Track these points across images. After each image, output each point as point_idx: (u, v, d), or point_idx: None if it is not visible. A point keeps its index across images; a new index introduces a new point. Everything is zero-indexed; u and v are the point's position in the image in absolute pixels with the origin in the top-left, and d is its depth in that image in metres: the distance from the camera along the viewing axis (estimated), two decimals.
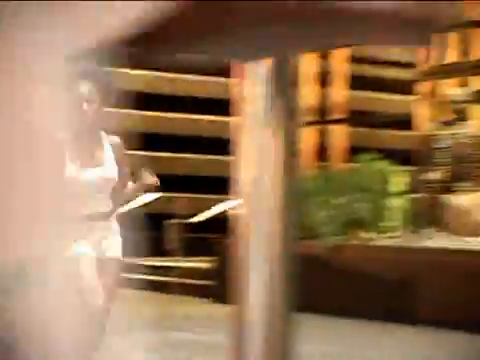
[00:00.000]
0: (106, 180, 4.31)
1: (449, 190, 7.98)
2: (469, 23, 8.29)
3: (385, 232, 7.97)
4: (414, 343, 6.45)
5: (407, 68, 8.98)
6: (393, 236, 7.94)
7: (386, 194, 8.14)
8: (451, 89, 8.52)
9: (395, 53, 8.74)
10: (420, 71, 8.77)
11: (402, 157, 8.48)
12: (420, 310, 7.04)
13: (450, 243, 7.43)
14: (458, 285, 6.80)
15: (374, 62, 8.87)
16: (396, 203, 8.24)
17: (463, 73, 8.75)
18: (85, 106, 4.08)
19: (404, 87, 8.99)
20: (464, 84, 8.61)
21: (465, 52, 8.71)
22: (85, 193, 4.22)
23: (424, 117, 8.78)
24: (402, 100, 9.01)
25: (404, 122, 9.03)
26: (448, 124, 8.23)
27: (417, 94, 8.84)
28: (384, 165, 8.22)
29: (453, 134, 8.09)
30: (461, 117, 8.17)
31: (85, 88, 4.10)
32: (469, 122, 8.25)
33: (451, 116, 8.24)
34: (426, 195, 8.03)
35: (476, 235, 7.48)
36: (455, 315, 6.74)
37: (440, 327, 6.64)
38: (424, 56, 8.64)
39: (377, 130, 8.80)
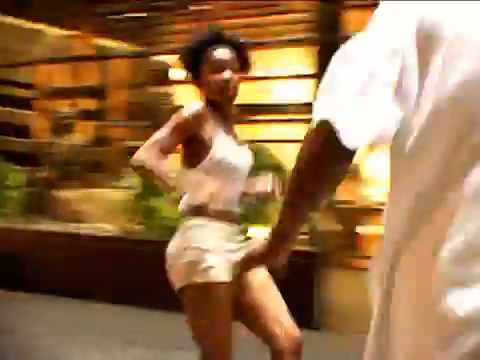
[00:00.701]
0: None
1: (58, 186, 9.54)
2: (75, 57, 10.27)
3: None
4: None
5: (28, 88, 10.07)
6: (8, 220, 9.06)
7: (4, 187, 9.30)
8: (62, 107, 10.37)
9: (18, 75, 9.95)
10: (39, 91, 10.17)
11: (21, 159, 9.69)
12: (30, 279, 8.17)
13: (55, 227, 8.77)
14: (60, 258, 8.01)
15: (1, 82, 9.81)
16: (13, 195, 9.37)
17: (72, 95, 10.41)
18: (228, 74, 3.35)
19: (25, 103, 10.21)
20: (73, 104, 10.55)
21: (75, 78, 10.38)
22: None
23: (40, 128, 10.42)
24: (23, 114, 10.21)
25: (24, 131, 10.29)
26: (59, 134, 10.14)
27: (36, 110, 10.26)
28: (2, 164, 9.42)
29: (62, 143, 10.00)
30: (69, 130, 10.19)
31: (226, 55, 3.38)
32: (75, 134, 10.23)
33: (62, 129, 10.18)
34: (39, 189, 9.51)
35: (75, 221, 8.95)
36: (59, 284, 7.87)
37: (47, 293, 7.71)
38: (42, 79, 10.32)
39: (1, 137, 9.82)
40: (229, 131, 3.44)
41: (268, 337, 3.24)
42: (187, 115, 3.26)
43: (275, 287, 3.32)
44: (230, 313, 3.20)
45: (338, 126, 1.50)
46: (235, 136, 3.50)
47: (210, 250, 3.16)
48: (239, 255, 2.90)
